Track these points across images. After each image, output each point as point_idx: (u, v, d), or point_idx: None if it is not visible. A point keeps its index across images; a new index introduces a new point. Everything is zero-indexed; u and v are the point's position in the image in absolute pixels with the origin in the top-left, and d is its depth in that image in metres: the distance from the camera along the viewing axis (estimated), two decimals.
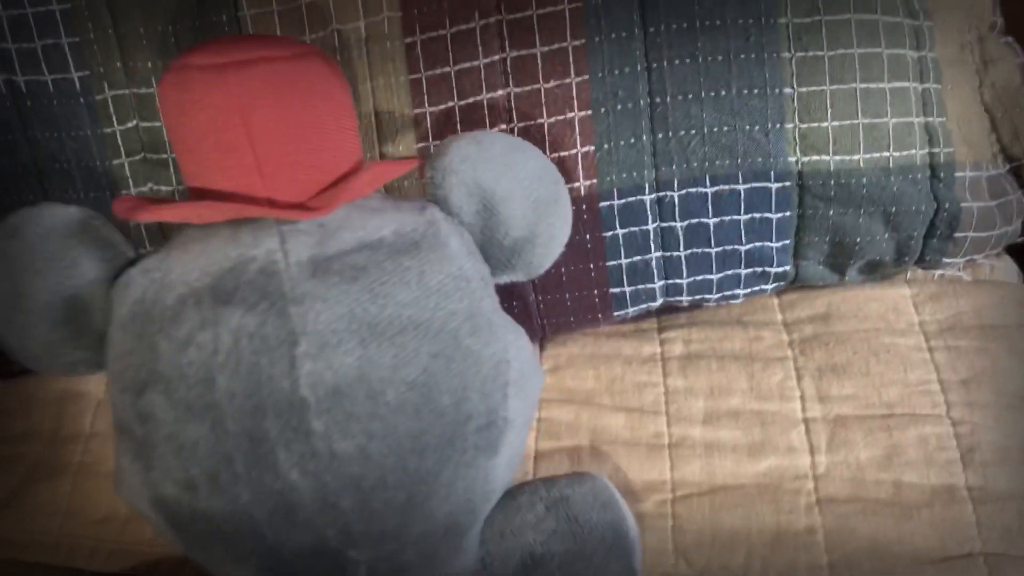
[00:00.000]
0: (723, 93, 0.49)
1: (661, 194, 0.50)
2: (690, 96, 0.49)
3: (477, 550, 0.40)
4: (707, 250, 0.52)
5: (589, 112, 0.49)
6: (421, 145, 0.50)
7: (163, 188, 0.52)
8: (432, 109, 0.49)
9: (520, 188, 0.39)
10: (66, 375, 0.39)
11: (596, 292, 0.53)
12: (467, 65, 0.49)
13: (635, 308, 0.54)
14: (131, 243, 0.39)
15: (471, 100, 0.49)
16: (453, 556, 0.38)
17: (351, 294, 0.34)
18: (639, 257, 0.52)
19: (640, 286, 0.53)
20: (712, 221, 0.51)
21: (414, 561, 0.37)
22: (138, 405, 0.35)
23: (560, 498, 0.40)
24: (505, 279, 0.41)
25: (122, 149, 0.51)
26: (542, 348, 0.58)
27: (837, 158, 0.50)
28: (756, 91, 0.49)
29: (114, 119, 0.51)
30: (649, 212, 0.51)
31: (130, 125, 0.51)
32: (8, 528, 0.53)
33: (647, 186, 0.50)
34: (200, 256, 0.35)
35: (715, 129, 0.49)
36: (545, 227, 0.40)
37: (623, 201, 0.50)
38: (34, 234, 0.36)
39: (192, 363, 0.34)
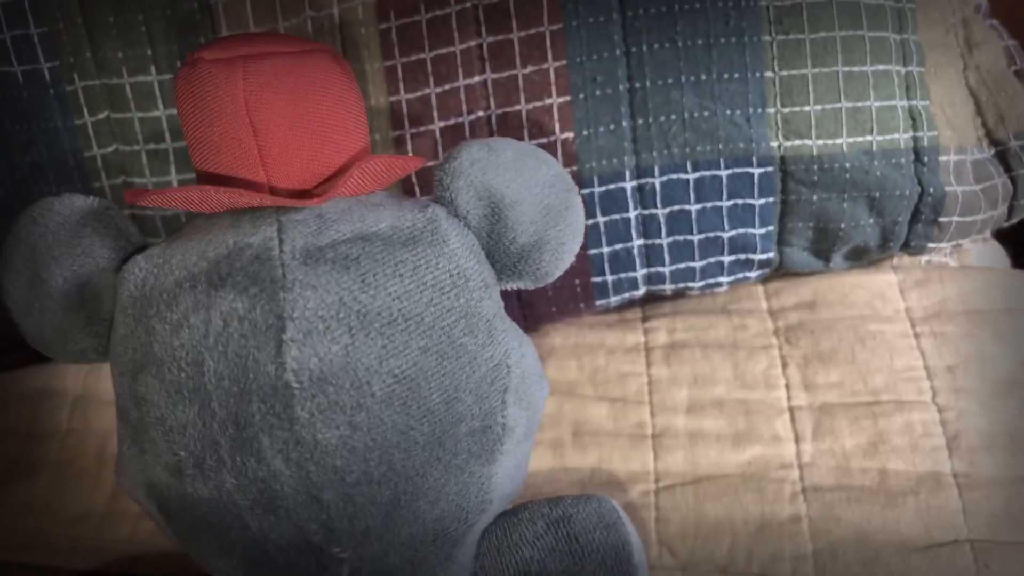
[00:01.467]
0: (703, 77, 0.48)
1: (642, 181, 0.50)
2: (670, 81, 0.48)
3: (471, 563, 0.39)
4: (689, 237, 0.51)
5: (568, 98, 0.48)
6: (396, 133, 0.49)
7: (136, 180, 0.51)
8: (408, 96, 0.49)
9: (530, 194, 0.38)
10: (76, 361, 0.40)
11: (578, 281, 0.52)
12: (443, 51, 0.48)
13: (618, 297, 0.54)
14: (141, 234, 0.40)
15: (447, 87, 0.48)
16: (443, 566, 0.37)
17: (342, 283, 0.34)
18: (620, 245, 0.51)
19: (622, 274, 0.52)
20: (694, 208, 0.50)
21: (400, 566, 0.36)
22: (134, 388, 0.35)
23: (562, 517, 0.40)
24: (513, 285, 0.40)
25: (94, 141, 0.51)
26: None
27: (820, 142, 0.49)
28: (736, 75, 0.48)
29: (85, 110, 0.50)
30: (630, 199, 0.50)
31: (101, 116, 0.50)
32: None
33: (627, 173, 0.49)
34: (201, 243, 0.36)
35: (695, 114, 0.48)
36: (554, 234, 0.39)
37: (603, 188, 0.50)
38: (54, 222, 0.37)
39: (184, 345, 0.34)
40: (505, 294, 0.52)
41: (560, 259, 0.40)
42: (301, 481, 0.33)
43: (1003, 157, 0.53)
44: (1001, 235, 0.60)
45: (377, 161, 0.37)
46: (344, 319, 0.33)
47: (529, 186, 0.38)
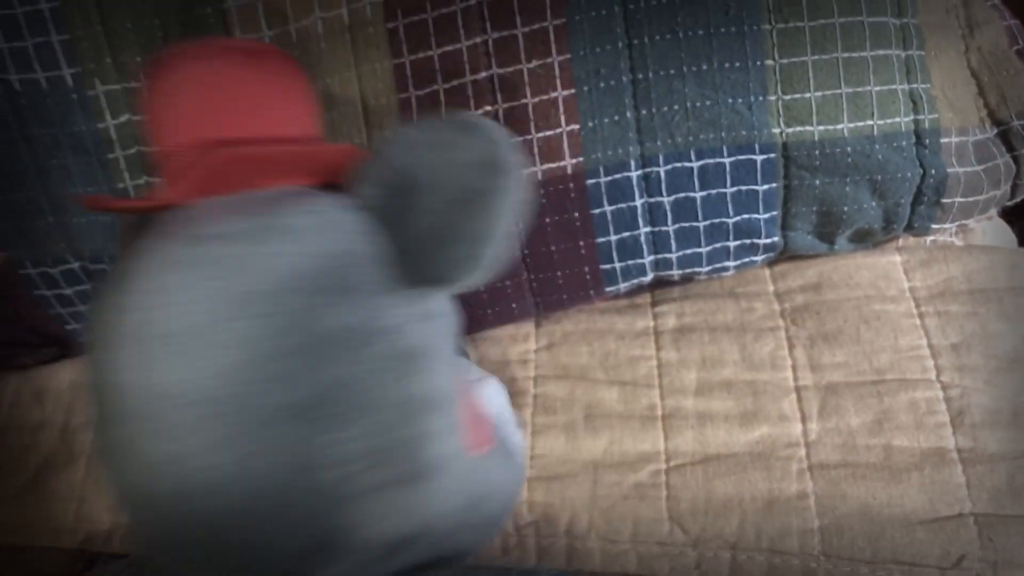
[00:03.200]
0: (704, 67, 0.49)
1: (647, 170, 0.51)
2: (672, 71, 0.49)
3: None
4: (695, 224, 0.52)
5: (573, 91, 0.49)
6: None
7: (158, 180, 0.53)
8: (417, 93, 0.50)
9: (446, 176, 0.34)
10: None
11: (587, 269, 0.53)
12: (450, 48, 0.49)
13: (627, 283, 0.55)
14: None
15: (455, 83, 0.49)
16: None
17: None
18: (628, 233, 0.52)
19: (630, 261, 0.53)
20: (699, 195, 0.51)
21: None
22: None
23: None
24: (440, 287, 0.36)
25: (117, 144, 0.52)
26: (537, 326, 0.58)
27: (821, 128, 0.50)
28: (737, 64, 0.49)
29: (107, 114, 0.52)
30: (636, 188, 0.51)
31: (123, 120, 0.52)
32: (26, 515, 0.55)
33: (633, 162, 0.50)
34: None
35: (698, 103, 0.49)
36: (469, 224, 0.34)
37: (610, 178, 0.51)
38: None
39: None
40: (517, 282, 0.54)
41: (478, 254, 0.34)
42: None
43: (1005, 137, 0.54)
44: (1007, 214, 0.60)
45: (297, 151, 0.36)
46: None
47: (447, 166, 0.34)
